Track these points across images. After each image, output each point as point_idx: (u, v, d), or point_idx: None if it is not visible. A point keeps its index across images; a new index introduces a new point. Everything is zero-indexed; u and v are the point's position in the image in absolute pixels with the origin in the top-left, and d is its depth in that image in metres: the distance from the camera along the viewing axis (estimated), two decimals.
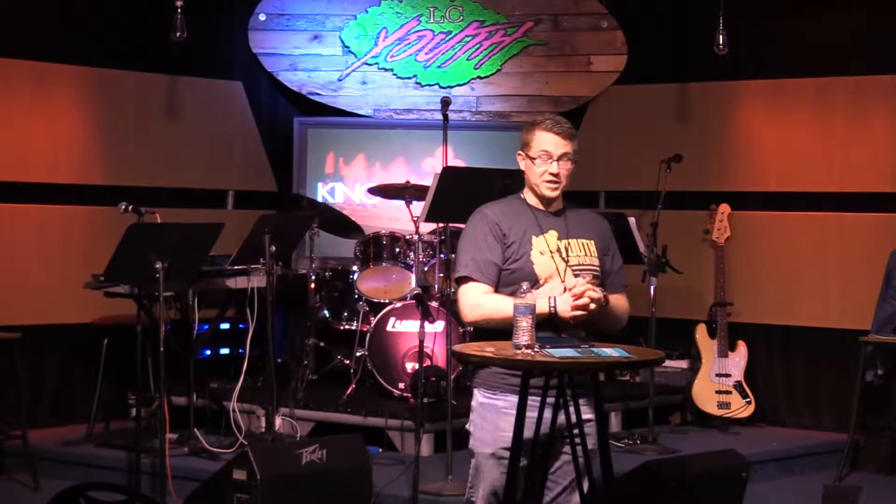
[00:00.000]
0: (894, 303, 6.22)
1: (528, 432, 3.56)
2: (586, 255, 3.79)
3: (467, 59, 7.68)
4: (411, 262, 6.61)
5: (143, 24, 6.96)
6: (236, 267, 5.95)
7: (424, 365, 5.58)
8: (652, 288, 6.43)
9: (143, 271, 5.29)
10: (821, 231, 7.00)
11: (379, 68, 7.69)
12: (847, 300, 6.85)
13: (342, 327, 6.78)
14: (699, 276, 7.03)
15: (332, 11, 7.69)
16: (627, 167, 7.46)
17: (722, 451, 4.87)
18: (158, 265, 5.24)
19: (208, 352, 6.80)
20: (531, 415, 3.56)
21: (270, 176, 7.73)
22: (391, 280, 6.65)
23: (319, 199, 7.45)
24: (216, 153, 7.51)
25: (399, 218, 7.12)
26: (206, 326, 6.50)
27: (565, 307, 3.62)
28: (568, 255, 3.74)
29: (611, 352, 3.49)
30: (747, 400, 6.76)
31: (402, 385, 6.30)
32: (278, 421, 6.01)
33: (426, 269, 6.54)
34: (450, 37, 7.68)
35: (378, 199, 7.17)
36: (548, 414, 3.56)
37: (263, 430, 6.01)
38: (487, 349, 3.51)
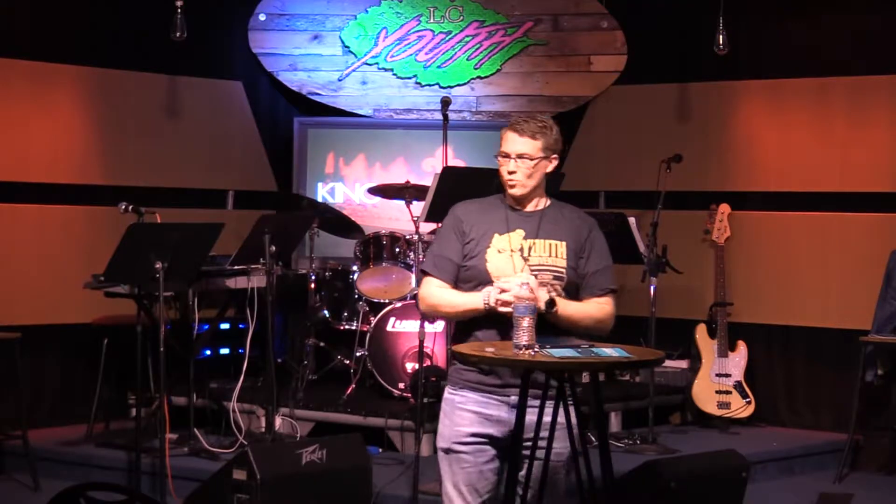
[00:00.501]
0: (894, 303, 6.22)
1: (497, 431, 3.68)
2: (551, 255, 3.73)
3: (467, 59, 7.68)
4: (411, 262, 6.61)
5: (144, 23, 6.95)
6: (236, 267, 5.96)
7: (424, 365, 5.59)
8: (652, 288, 6.43)
9: (143, 271, 5.29)
10: (821, 231, 6.99)
11: (379, 68, 7.69)
12: (847, 300, 6.84)
13: (342, 327, 6.78)
14: (699, 276, 7.03)
15: (332, 11, 7.69)
16: (627, 167, 7.46)
17: (722, 451, 4.87)
18: (158, 265, 5.25)
19: (208, 352, 6.79)
20: (507, 416, 3.62)
21: (270, 176, 7.72)
22: (391, 280, 6.65)
23: (319, 199, 7.45)
24: (216, 153, 7.50)
25: (399, 218, 7.12)
26: (206, 326, 6.50)
27: (489, 298, 3.62)
28: (529, 255, 3.72)
29: (611, 352, 3.48)
30: (747, 400, 6.76)
31: (401, 385, 6.31)
32: (278, 421, 6.01)
33: None
34: (450, 37, 7.67)
35: (378, 199, 7.17)
36: (531, 415, 3.55)
37: (263, 430, 6.01)
38: (488, 349, 3.51)
